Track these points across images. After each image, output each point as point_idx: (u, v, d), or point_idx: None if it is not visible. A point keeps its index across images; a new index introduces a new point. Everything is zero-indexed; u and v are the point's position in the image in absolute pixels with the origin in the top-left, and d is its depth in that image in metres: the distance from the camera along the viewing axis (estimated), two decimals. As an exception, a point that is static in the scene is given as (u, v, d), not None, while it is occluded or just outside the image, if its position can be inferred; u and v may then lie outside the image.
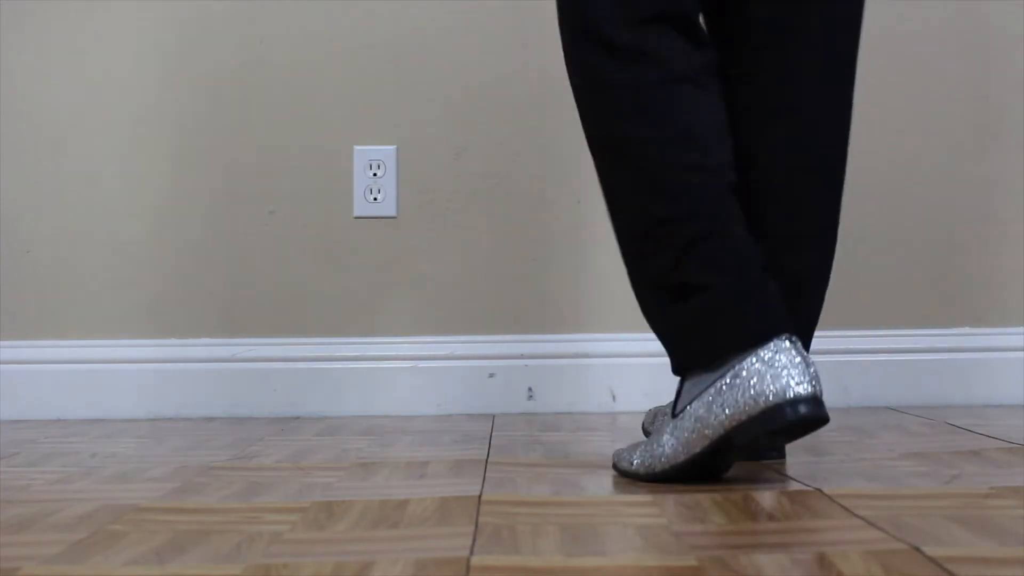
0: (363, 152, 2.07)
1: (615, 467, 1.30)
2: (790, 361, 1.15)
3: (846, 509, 1.07)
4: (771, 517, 1.05)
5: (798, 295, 1.33)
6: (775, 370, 1.15)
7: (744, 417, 1.16)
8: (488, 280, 2.06)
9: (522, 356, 2.03)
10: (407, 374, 2.03)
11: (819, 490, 1.17)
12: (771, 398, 1.14)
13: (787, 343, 1.17)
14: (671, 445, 1.22)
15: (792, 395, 1.14)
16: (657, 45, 1.26)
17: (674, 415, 1.23)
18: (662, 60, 1.26)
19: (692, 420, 1.20)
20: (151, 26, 2.08)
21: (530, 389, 2.02)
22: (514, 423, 1.86)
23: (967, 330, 2.06)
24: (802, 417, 1.15)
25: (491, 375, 2.02)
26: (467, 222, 2.07)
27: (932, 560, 0.86)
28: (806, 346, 1.36)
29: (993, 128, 2.08)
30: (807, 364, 1.16)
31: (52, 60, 2.08)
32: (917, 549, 0.89)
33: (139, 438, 1.74)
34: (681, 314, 1.24)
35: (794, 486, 1.20)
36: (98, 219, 2.07)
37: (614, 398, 2.02)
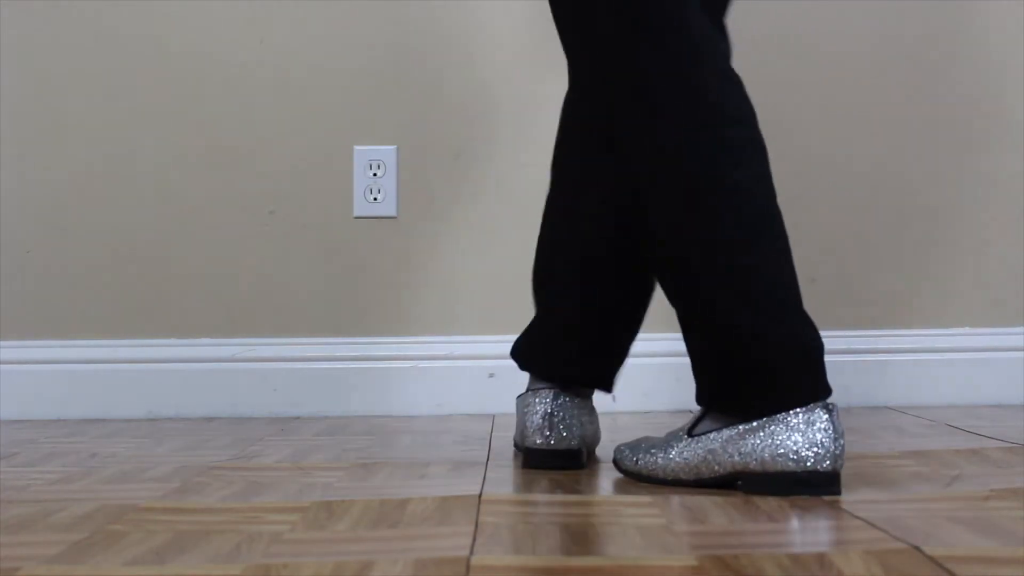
0: (363, 152, 2.07)
1: (615, 462, 1.30)
2: (822, 434, 1.14)
3: (846, 509, 1.07)
4: (771, 517, 1.05)
5: None
6: (804, 440, 1.14)
7: (757, 469, 1.16)
8: (488, 280, 2.06)
9: (522, 356, 2.03)
10: (407, 374, 2.03)
11: (819, 490, 1.17)
12: (789, 465, 1.14)
13: (824, 414, 1.15)
14: (678, 463, 1.22)
15: (810, 468, 1.14)
16: (713, 40, 1.21)
17: (690, 434, 1.22)
18: (716, 56, 1.22)
19: (705, 450, 1.19)
20: (151, 26, 2.08)
21: (530, 389, 2.01)
22: (514, 423, 1.86)
23: (967, 330, 2.06)
24: (813, 492, 1.14)
25: (491, 375, 2.02)
26: (467, 222, 2.07)
27: (932, 560, 0.86)
28: None
29: (993, 128, 2.08)
30: (836, 438, 1.14)
31: (52, 60, 2.08)
32: (917, 549, 0.89)
33: (139, 438, 1.74)
34: (726, 357, 1.19)
35: (794, 486, 1.20)
36: (98, 219, 2.07)
37: (614, 398, 2.02)
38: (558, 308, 1.43)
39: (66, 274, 2.07)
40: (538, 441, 1.36)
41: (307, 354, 2.05)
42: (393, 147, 2.07)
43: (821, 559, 0.87)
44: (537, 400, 1.37)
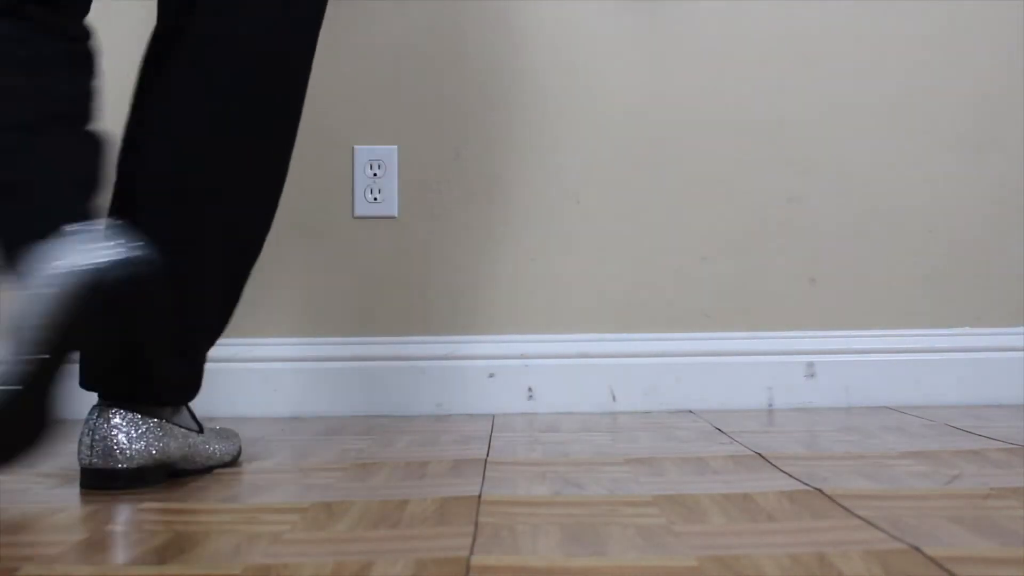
0: (363, 152, 2.07)
1: None
2: (88, 431, 1.34)
3: (846, 509, 1.07)
4: (771, 517, 1.05)
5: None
6: (85, 438, 1.34)
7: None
8: (488, 280, 2.06)
9: (522, 356, 2.03)
10: (407, 374, 2.03)
11: (819, 490, 1.17)
12: (83, 461, 1.30)
13: (97, 412, 1.36)
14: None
15: (84, 465, 1.29)
16: None
17: None
18: None
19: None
20: (150, 27, 2.08)
21: (530, 389, 2.02)
22: (514, 423, 1.86)
23: (967, 330, 2.06)
24: (98, 485, 1.26)
25: (491, 375, 2.02)
26: (467, 222, 2.07)
27: (932, 560, 0.86)
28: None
29: (993, 128, 2.08)
30: (98, 438, 1.32)
31: (52, 60, 2.08)
32: (917, 549, 0.90)
33: (139, 438, 1.74)
34: None
35: (794, 486, 1.20)
36: (98, 219, 2.07)
37: (614, 398, 2.02)
38: None
39: (66, 274, 2.07)
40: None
41: (307, 354, 2.05)
42: (393, 147, 2.07)
43: (821, 559, 0.87)
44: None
